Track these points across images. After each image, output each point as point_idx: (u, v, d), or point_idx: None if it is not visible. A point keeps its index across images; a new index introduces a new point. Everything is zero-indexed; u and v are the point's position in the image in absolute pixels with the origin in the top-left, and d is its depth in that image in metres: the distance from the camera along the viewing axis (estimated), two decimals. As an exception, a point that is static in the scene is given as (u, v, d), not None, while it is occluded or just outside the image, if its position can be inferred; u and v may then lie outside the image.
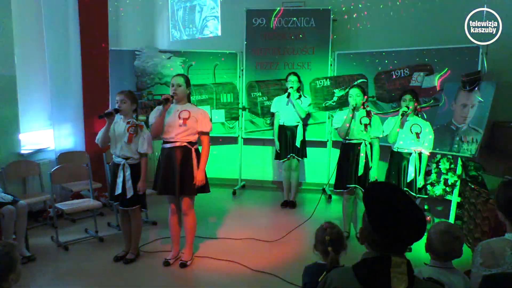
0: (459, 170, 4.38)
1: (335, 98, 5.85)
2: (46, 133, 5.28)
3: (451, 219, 4.36)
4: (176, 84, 3.58)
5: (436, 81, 5.17)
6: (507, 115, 4.92)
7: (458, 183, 4.37)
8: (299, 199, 5.65)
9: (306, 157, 5.50)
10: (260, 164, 6.51)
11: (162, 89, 5.97)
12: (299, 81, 5.34)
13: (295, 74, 5.30)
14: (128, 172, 3.63)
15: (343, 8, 6.01)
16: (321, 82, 5.88)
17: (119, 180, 3.65)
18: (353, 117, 4.11)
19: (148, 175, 3.74)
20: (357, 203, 4.31)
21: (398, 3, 5.78)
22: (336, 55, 5.88)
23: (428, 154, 4.15)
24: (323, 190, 6.08)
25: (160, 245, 4.14)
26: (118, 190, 3.65)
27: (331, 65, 5.92)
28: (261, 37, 6.03)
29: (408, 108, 4.06)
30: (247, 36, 6.05)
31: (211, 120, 3.73)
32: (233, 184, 6.30)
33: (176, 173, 3.53)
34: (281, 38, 5.99)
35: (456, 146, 4.30)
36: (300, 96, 5.33)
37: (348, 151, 4.22)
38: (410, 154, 4.09)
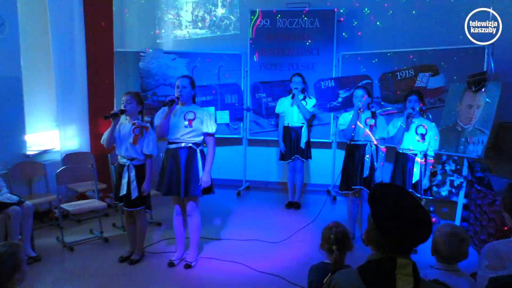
0: (465, 171, 4.36)
1: (339, 99, 5.85)
2: (52, 134, 5.31)
3: (457, 221, 4.34)
4: (181, 85, 3.59)
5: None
6: (513, 116, 4.90)
7: (464, 185, 4.35)
8: (303, 200, 5.65)
9: (310, 158, 5.50)
10: (264, 165, 6.52)
11: (166, 90, 5.99)
12: (304, 82, 5.33)
13: (300, 75, 5.30)
14: (133, 173, 3.64)
15: (348, 9, 6.00)
16: (325, 83, 5.87)
17: (124, 181, 3.66)
18: (358, 118, 4.10)
19: (153, 176, 3.76)
20: (362, 204, 4.30)
21: (402, 1, 5.76)
22: (340, 56, 5.88)
23: (433, 155, 4.13)
24: (328, 192, 6.08)
25: (165, 246, 4.15)
26: (123, 191, 3.66)
27: (335, 66, 5.91)
28: (266, 38, 6.04)
29: (413, 109, 4.04)
30: (251, 37, 6.05)
31: (215, 121, 3.74)
32: (237, 185, 6.31)
33: (181, 174, 3.54)
34: (285, 39, 5.99)
35: (462, 147, 4.29)
36: (305, 97, 5.33)
37: (353, 152, 4.21)
38: (415, 155, 4.08)
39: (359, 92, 4.17)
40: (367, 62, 5.72)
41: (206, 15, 6.52)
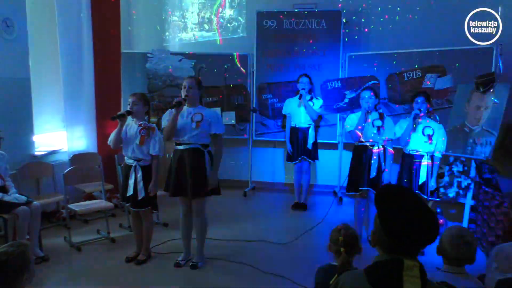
0: (472, 172, 4.33)
1: (346, 100, 5.83)
2: (60, 134, 5.36)
3: (464, 223, 4.31)
4: (188, 86, 3.60)
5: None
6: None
7: (471, 186, 4.32)
8: (310, 202, 5.64)
9: (317, 159, 5.49)
10: (271, 166, 6.51)
11: (173, 91, 6.01)
12: (311, 82, 5.33)
13: (307, 75, 5.30)
14: (139, 174, 3.66)
15: (354, 10, 5.98)
16: (332, 83, 5.86)
17: (131, 182, 3.68)
18: (365, 120, 4.10)
19: (160, 177, 3.77)
20: (369, 206, 4.28)
21: (408, 2, 5.73)
22: (347, 57, 5.86)
23: (441, 157, 4.11)
24: (334, 193, 6.07)
25: (171, 247, 4.17)
26: (130, 192, 3.68)
27: (342, 66, 5.90)
28: (272, 39, 6.04)
29: (420, 110, 4.02)
30: (257, 38, 6.06)
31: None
32: (243, 186, 6.31)
33: (188, 175, 3.55)
34: (292, 40, 6.00)
35: (470, 148, 4.25)
36: (312, 98, 5.32)
37: (360, 154, 4.20)
38: (422, 156, 4.06)
39: (366, 93, 4.16)
40: (373, 63, 5.70)
41: (213, 16, 6.54)
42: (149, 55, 6.09)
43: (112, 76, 5.70)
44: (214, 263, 3.84)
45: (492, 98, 4.24)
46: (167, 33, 6.69)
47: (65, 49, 5.12)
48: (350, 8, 5.97)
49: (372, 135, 4.14)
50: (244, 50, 6.16)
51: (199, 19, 6.62)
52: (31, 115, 4.74)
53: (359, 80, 5.75)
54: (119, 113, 3.64)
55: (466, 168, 4.42)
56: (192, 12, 6.64)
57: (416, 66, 5.40)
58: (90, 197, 5.06)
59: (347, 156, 4.57)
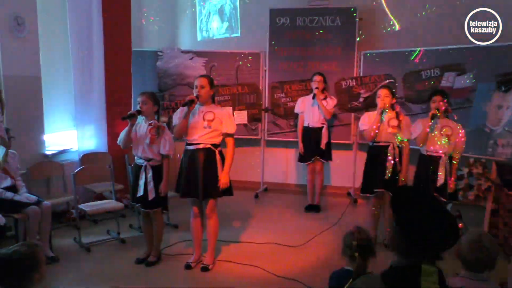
0: (493, 174, 4.27)
1: (361, 99, 5.79)
2: (70, 134, 5.43)
3: (485, 227, 4.25)
4: (200, 85, 3.61)
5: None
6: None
7: (492, 189, 4.25)
8: (323, 203, 5.62)
9: (331, 159, 5.47)
10: (283, 167, 6.51)
11: (184, 90, 6.04)
12: (325, 81, 5.31)
13: (321, 74, 5.27)
14: (150, 174, 3.69)
15: (370, 7, 5.94)
16: (346, 82, 5.83)
17: (141, 182, 3.71)
18: (380, 119, 4.07)
19: (170, 177, 3.79)
20: (384, 208, 4.25)
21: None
22: (362, 55, 5.82)
23: (459, 158, 4.06)
24: (349, 194, 6.03)
25: (182, 248, 4.19)
26: (140, 192, 3.71)
27: (357, 65, 5.86)
28: (285, 36, 6.03)
29: (438, 109, 3.98)
30: (270, 36, 6.06)
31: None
32: (255, 187, 6.31)
33: (200, 176, 3.57)
34: (305, 37, 5.98)
35: (490, 149, 4.20)
36: (325, 97, 5.30)
37: (375, 154, 4.18)
38: (440, 157, 4.01)
39: (382, 92, 4.13)
40: (390, 61, 5.65)
41: (226, 12, 6.55)
42: (159, 53, 6.13)
43: (123, 74, 5.76)
44: (225, 265, 3.85)
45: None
46: (178, 31, 6.72)
47: (75, 47, 5.19)
48: (365, 5, 5.93)
49: (388, 135, 4.10)
50: (257, 48, 6.16)
51: (211, 17, 6.64)
52: (42, 114, 4.81)
53: (375, 78, 5.71)
54: (129, 113, 3.68)
55: (486, 170, 4.35)
56: (204, 8, 6.66)
57: (434, 64, 5.33)
58: (100, 197, 5.10)
59: (362, 156, 4.54)
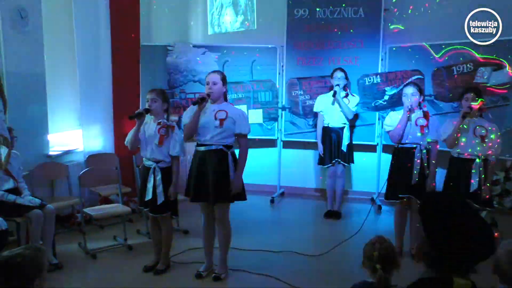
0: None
1: (386, 97, 5.74)
2: (75, 133, 5.50)
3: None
4: (212, 82, 3.61)
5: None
6: None
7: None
8: (344, 210, 5.58)
9: (353, 162, 5.44)
10: (301, 169, 6.48)
11: (195, 87, 6.08)
12: (346, 77, 5.28)
13: (342, 70, 5.25)
14: (159, 176, 3.70)
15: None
16: (370, 79, 5.79)
17: (149, 185, 3.73)
18: (408, 119, 4.02)
19: (180, 180, 3.81)
20: (411, 215, 4.20)
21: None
22: (388, 49, 5.77)
23: (495, 161, 3.98)
24: (372, 200, 5.98)
25: (192, 256, 4.20)
26: (149, 196, 3.73)
27: (382, 60, 5.81)
28: (304, 29, 6.01)
29: (470, 108, 3.92)
30: (288, 29, 6.05)
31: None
32: (271, 191, 6.31)
33: (211, 179, 3.57)
34: (326, 30, 5.95)
35: (529, 152, 4.11)
36: (347, 95, 5.27)
37: (401, 157, 4.13)
38: (473, 160, 3.95)
39: (409, 90, 4.09)
40: (418, 55, 5.59)
41: (241, 4, 6.56)
42: (169, 48, 6.18)
43: (131, 70, 5.82)
44: (238, 275, 3.84)
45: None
46: (190, 24, 6.76)
47: (81, 42, 5.26)
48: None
49: (415, 136, 4.06)
50: (273, 42, 6.15)
51: (224, 9, 6.66)
52: (46, 113, 4.88)
53: (401, 74, 5.66)
54: (137, 111, 3.70)
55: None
56: (216, 1, 6.68)
57: (466, 59, 5.25)
58: (106, 200, 5.16)
59: (387, 159, 4.49)
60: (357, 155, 5.50)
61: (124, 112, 5.16)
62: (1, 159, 3.38)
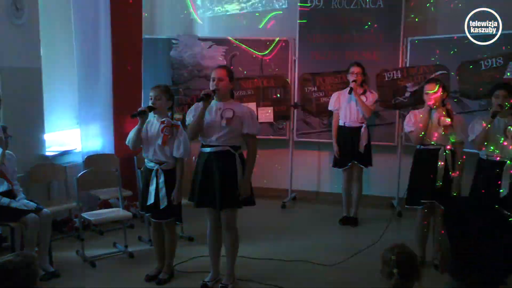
0: None
1: (407, 94, 5.72)
2: (73, 133, 5.54)
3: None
4: (218, 77, 3.62)
5: None
6: None
7: None
8: (361, 215, 5.56)
9: (371, 165, 5.42)
10: (314, 172, 6.48)
11: (201, 83, 6.09)
12: (364, 73, 5.26)
13: (359, 64, 5.23)
14: (162, 179, 3.72)
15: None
16: (390, 74, 5.76)
17: (152, 188, 3.75)
18: (429, 118, 4.01)
19: (185, 183, 3.82)
20: (435, 222, 4.18)
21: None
22: (409, 42, 5.74)
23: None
24: (392, 206, 5.95)
25: (197, 265, 4.21)
26: (151, 200, 3.75)
27: (402, 54, 5.79)
28: (318, 21, 6.00)
29: (501, 106, 3.89)
30: (301, 20, 6.04)
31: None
32: (282, 196, 6.31)
33: (217, 183, 3.57)
34: (342, 22, 5.94)
35: None
36: (364, 91, 5.25)
37: (423, 159, 4.13)
38: (503, 163, 3.91)
39: (432, 86, 4.06)
40: (442, 49, 5.55)
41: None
42: (174, 41, 6.20)
43: (132, 65, 5.84)
44: (247, 285, 3.85)
45: None
46: (195, 15, 6.77)
47: (80, 35, 5.29)
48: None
49: (439, 136, 4.03)
50: (285, 34, 6.15)
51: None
52: (42, 111, 4.92)
53: (423, 70, 5.63)
54: (139, 109, 3.72)
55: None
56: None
57: (495, 53, 5.20)
58: (106, 204, 5.19)
59: (408, 161, 4.47)
60: (375, 157, 5.48)
61: (125, 110, 5.18)
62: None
